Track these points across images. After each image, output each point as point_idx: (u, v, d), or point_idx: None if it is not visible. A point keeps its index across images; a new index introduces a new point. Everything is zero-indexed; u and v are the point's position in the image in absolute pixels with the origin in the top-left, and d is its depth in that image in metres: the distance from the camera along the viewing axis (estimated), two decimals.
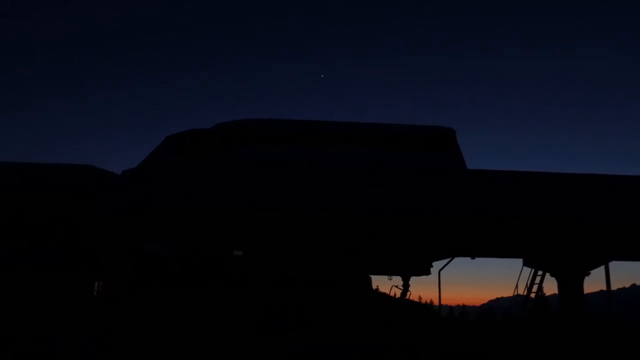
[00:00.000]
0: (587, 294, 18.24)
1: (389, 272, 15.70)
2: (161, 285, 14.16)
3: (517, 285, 19.26)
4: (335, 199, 13.12)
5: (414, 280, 15.95)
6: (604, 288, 17.25)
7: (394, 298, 15.75)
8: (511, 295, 19.82)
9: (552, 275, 18.08)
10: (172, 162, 13.68)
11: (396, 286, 15.77)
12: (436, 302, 19.48)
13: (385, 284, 16.30)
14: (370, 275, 15.51)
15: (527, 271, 19.06)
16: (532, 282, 18.91)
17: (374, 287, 15.92)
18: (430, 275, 16.01)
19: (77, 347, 12.51)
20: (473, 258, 17.34)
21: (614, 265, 16.95)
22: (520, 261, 19.04)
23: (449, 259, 16.72)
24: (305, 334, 13.21)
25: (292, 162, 13.54)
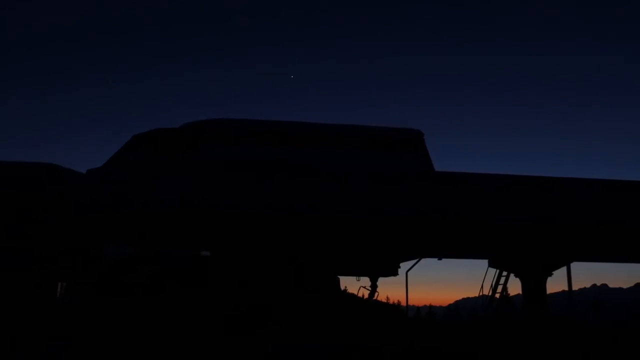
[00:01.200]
0: (550, 294, 18.68)
1: (357, 273, 15.76)
2: (125, 287, 13.91)
3: (482, 286, 19.62)
4: (304, 200, 13.14)
5: (381, 281, 16.05)
6: (566, 288, 17.68)
7: (362, 299, 15.82)
8: (477, 295, 20.16)
9: (516, 276, 18.43)
10: (138, 161, 13.47)
11: (364, 287, 15.85)
12: (404, 303, 19.63)
13: (354, 285, 16.35)
14: (339, 276, 15.54)
15: (493, 272, 19.39)
16: (497, 283, 19.23)
17: (342, 288, 15.98)
18: (398, 276, 16.14)
19: (35, 350, 12.19)
20: (440, 259, 17.54)
21: (575, 266, 17.41)
22: (485, 262, 19.35)
23: (416, 260, 16.88)
24: (273, 334, 13.16)
25: (261, 163, 13.48)
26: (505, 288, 19.42)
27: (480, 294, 19.70)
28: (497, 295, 19.49)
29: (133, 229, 14.14)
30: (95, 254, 14.65)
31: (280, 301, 13.92)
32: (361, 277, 15.88)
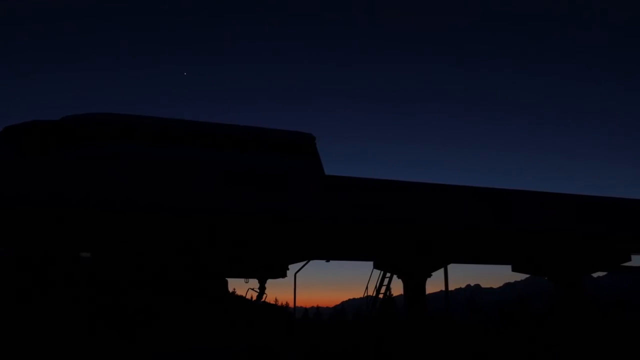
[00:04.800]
0: (429, 294, 19.81)
1: (246, 275, 15.68)
2: None
3: (367, 287, 20.31)
4: (190, 200, 12.79)
5: (270, 283, 16.11)
6: (444, 288, 18.79)
7: (250, 301, 15.76)
8: (362, 296, 20.84)
9: (399, 277, 19.31)
10: (10, 156, 12.38)
11: (252, 289, 15.81)
12: (292, 304, 19.83)
13: (242, 287, 16.26)
14: (227, 278, 15.36)
15: (377, 273, 20.15)
16: (381, 284, 20.00)
17: (230, 290, 15.81)
18: (286, 278, 16.27)
19: None
20: (328, 261, 17.93)
21: (452, 267, 18.62)
22: (371, 264, 20.05)
23: (304, 262, 17.12)
24: (158, 338, 12.74)
25: (145, 161, 12.92)
26: (388, 288, 20.25)
27: (365, 294, 20.41)
28: (381, 296, 20.29)
29: (6, 230, 13.07)
30: None
31: (164, 304, 13.50)
32: (249, 279, 15.84)
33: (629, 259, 19.35)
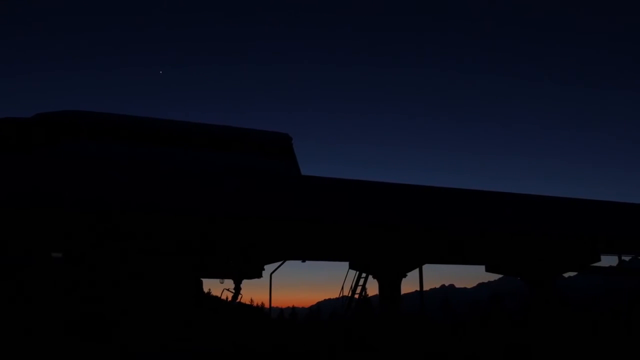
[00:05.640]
0: (404, 294, 19.96)
1: (221, 276, 15.59)
2: None
3: (342, 287, 20.37)
4: (165, 199, 12.67)
5: (246, 283, 16.05)
6: (419, 288, 18.95)
7: (225, 301, 15.68)
8: (337, 296, 20.89)
9: (374, 277, 19.40)
10: None
11: (228, 289, 15.73)
12: (267, 305, 19.79)
13: (217, 288, 16.16)
14: (202, 279, 15.26)
15: (353, 274, 20.21)
16: (357, 284, 20.08)
17: (206, 290, 15.71)
18: (262, 278, 16.21)
19: None
20: (304, 261, 17.93)
21: (426, 268, 18.77)
22: (347, 264, 20.12)
23: (280, 262, 17.09)
24: (132, 338, 12.61)
25: (118, 160, 12.78)
26: (364, 289, 20.35)
27: (341, 294, 20.45)
28: (357, 296, 20.38)
29: None
30: None
31: (140, 305, 13.36)
32: (225, 280, 15.76)
33: (599, 259, 19.77)
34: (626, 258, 19.79)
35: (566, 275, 22.18)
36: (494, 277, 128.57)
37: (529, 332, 18.62)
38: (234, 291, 15.72)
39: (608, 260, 20.08)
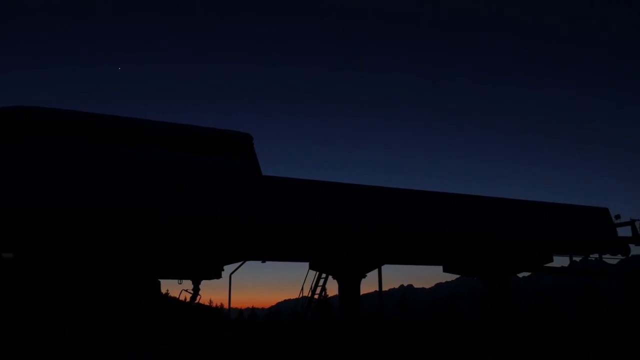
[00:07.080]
0: (364, 294, 20.09)
1: (179, 276, 15.38)
2: None
3: (302, 288, 20.36)
4: (122, 198, 12.39)
5: (204, 284, 15.88)
6: (378, 288, 19.10)
7: (184, 302, 15.48)
8: (297, 297, 20.85)
9: (334, 277, 19.47)
10: None
11: (186, 290, 15.54)
12: (226, 305, 19.62)
13: (176, 288, 15.92)
14: (159, 280, 15.02)
15: (313, 274, 20.23)
16: (317, 284, 20.09)
17: (164, 291, 15.47)
18: (221, 279, 16.08)
19: None
20: (264, 262, 17.85)
21: (385, 268, 18.91)
22: (307, 264, 20.14)
23: (240, 263, 16.98)
24: (87, 341, 12.32)
25: (73, 157, 12.42)
26: (324, 289, 20.40)
27: (301, 295, 20.43)
28: (316, 296, 20.40)
29: None
30: None
31: (97, 306, 13.05)
32: (183, 280, 15.56)
33: (551, 260, 20.37)
34: (577, 259, 20.43)
35: (520, 275, 22.83)
36: (451, 277, 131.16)
37: (484, 330, 19.03)
38: (192, 292, 15.55)
39: (560, 261, 20.71)
